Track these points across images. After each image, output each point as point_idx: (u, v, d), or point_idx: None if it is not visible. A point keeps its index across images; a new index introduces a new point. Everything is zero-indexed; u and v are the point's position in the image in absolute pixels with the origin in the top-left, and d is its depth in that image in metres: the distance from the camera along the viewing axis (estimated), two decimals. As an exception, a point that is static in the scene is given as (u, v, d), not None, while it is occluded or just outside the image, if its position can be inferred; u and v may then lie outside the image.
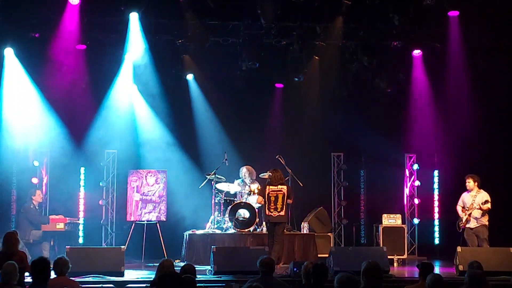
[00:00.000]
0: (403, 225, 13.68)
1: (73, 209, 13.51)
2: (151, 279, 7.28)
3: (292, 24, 13.16)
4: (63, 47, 12.75)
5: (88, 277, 9.44)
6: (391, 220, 13.56)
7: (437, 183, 14.92)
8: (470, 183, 11.43)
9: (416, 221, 14.54)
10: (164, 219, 13.61)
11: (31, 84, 13.23)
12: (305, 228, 13.10)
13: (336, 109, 14.82)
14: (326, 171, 14.76)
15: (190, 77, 14.56)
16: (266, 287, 6.21)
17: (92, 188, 13.98)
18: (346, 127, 14.73)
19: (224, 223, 12.67)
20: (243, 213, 12.49)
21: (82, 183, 13.91)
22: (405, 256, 13.35)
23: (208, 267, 10.73)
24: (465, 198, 11.50)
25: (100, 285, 8.90)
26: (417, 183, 14.73)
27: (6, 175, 13.15)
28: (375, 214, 14.24)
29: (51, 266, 6.95)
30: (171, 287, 5.73)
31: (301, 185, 12.78)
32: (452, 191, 12.84)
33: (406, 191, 14.74)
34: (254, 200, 12.53)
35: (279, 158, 12.77)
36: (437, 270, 10.57)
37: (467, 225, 11.36)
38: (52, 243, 12.00)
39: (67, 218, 12.28)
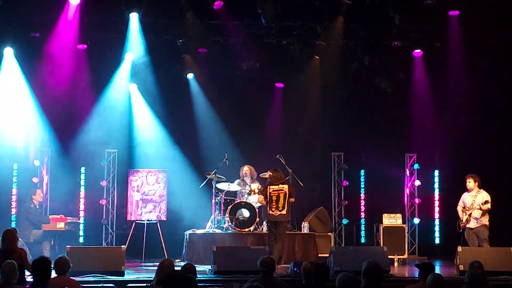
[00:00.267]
0: (404, 225, 13.67)
1: (74, 209, 13.51)
2: (151, 278, 7.27)
3: (292, 24, 13.14)
4: (64, 46, 12.74)
5: (89, 276, 9.44)
6: (391, 219, 13.55)
7: (438, 183, 14.91)
8: (470, 183, 11.42)
9: (416, 220, 14.53)
10: (165, 219, 13.62)
11: (31, 84, 13.21)
12: (305, 228, 13.09)
13: (337, 108, 14.80)
14: (327, 171, 14.75)
15: (190, 76, 14.56)
16: (266, 287, 6.21)
17: (93, 188, 13.98)
18: (347, 126, 14.73)
19: (224, 223, 12.67)
20: (244, 212, 12.50)
21: (82, 182, 13.91)
22: (405, 256, 13.34)
23: (209, 267, 10.73)
24: (466, 198, 11.49)
25: (100, 285, 8.89)
26: (417, 182, 14.71)
27: (6, 175, 13.14)
28: (375, 213, 14.23)
29: (52, 265, 6.96)
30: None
31: (302, 184, 12.77)
32: (453, 191, 12.84)
33: (407, 190, 14.74)
34: (255, 200, 12.53)
35: (280, 158, 12.77)
36: (437, 270, 10.56)
37: (467, 225, 11.35)
38: (52, 242, 11.99)
39: (68, 218, 12.27)
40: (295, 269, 9.64)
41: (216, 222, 12.77)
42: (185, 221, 13.69)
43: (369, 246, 13.93)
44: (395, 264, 12.93)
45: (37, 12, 12.39)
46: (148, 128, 14.47)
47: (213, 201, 12.91)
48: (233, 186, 13.05)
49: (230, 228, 12.49)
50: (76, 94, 13.63)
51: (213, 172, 12.84)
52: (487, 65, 13.64)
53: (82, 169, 13.94)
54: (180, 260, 11.94)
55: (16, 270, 6.63)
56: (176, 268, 6.98)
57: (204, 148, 14.53)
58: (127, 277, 9.90)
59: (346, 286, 5.70)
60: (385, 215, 13.57)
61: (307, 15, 12.91)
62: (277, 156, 12.80)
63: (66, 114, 13.70)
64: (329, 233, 13.42)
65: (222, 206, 12.83)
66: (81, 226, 13.52)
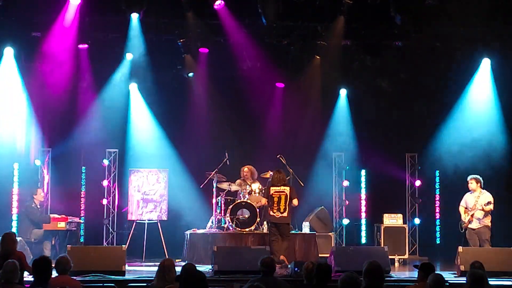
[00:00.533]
0: (404, 225, 13.67)
1: (74, 208, 13.52)
2: (152, 278, 7.26)
3: (293, 24, 13.16)
4: (65, 46, 12.75)
5: (89, 276, 9.43)
6: (392, 220, 13.55)
7: (438, 183, 14.90)
8: (472, 184, 11.40)
9: (417, 221, 14.52)
10: (165, 218, 13.61)
11: (31, 84, 13.21)
12: (306, 227, 13.09)
13: (337, 108, 14.80)
14: (327, 171, 14.75)
15: (191, 76, 14.56)
16: (267, 287, 6.20)
17: (93, 187, 13.99)
18: (347, 126, 14.72)
19: (225, 223, 12.67)
20: (244, 212, 12.49)
21: (83, 182, 13.90)
22: (406, 256, 13.34)
23: (209, 267, 10.72)
24: (468, 198, 11.46)
25: (101, 284, 8.91)
26: (418, 182, 14.71)
27: (7, 175, 13.14)
28: (376, 214, 14.23)
29: (53, 265, 6.96)
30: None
31: (302, 184, 12.78)
32: (453, 191, 12.83)
33: (407, 190, 14.73)
34: (255, 200, 12.53)
35: (280, 158, 12.76)
36: (438, 270, 10.56)
37: (469, 226, 11.34)
38: (53, 242, 11.99)
39: (68, 217, 12.27)
40: (296, 269, 9.63)
41: (216, 222, 12.77)
42: (186, 221, 13.69)
43: (370, 246, 13.93)
44: (396, 264, 12.94)
45: (38, 12, 12.41)
46: (149, 127, 14.48)
47: (214, 201, 12.92)
48: (234, 186, 13.05)
49: (231, 228, 12.49)
50: (76, 94, 13.64)
51: (214, 172, 12.84)
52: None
53: (83, 169, 13.94)
54: (180, 260, 11.93)
55: (18, 270, 6.64)
56: (176, 268, 6.97)
57: (204, 147, 14.52)
58: (127, 276, 9.89)
59: (348, 286, 5.69)
60: (385, 215, 13.57)
61: (308, 15, 12.91)
62: (278, 156, 12.80)
63: (67, 114, 13.71)
64: (330, 233, 13.41)
65: (222, 206, 12.83)
66: (82, 226, 13.53)
